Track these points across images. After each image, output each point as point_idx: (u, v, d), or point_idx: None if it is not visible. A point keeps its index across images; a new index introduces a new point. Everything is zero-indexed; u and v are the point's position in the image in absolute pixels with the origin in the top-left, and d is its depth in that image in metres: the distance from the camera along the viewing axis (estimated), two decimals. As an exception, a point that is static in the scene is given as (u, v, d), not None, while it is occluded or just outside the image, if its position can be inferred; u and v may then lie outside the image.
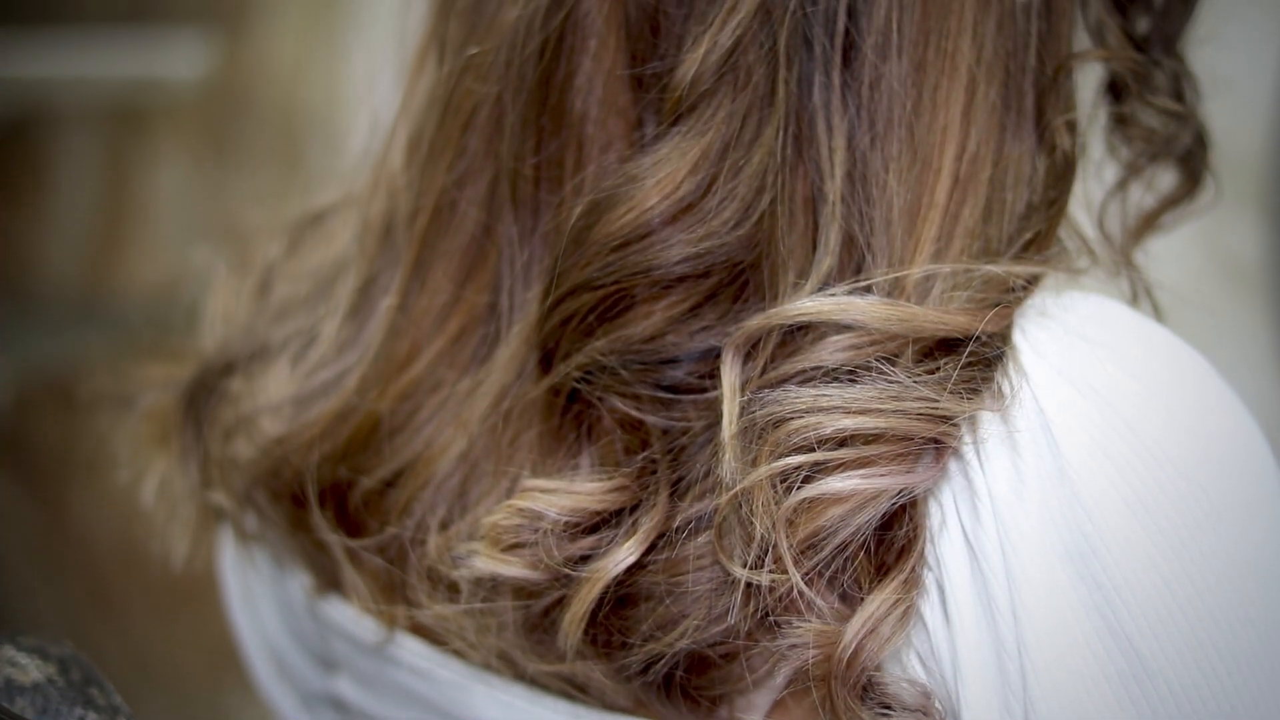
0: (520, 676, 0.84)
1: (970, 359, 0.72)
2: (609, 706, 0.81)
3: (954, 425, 0.72)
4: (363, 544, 0.87)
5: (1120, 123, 0.92)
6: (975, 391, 0.72)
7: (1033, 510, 0.70)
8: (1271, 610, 0.69)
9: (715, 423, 0.76)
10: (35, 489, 2.77)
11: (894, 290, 0.75)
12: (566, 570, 0.76)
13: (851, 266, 0.77)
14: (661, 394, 0.78)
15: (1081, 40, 0.87)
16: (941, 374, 0.72)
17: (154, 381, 1.04)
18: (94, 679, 0.77)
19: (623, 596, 0.76)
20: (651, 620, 0.76)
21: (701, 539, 0.75)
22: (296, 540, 0.92)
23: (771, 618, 0.74)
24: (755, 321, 0.75)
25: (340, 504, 0.88)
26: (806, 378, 0.74)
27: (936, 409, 0.71)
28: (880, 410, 0.71)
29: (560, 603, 0.78)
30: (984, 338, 0.73)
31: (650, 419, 0.78)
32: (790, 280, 0.77)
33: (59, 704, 0.75)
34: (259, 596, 1.05)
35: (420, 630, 0.88)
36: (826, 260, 0.76)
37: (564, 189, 0.82)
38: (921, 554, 0.73)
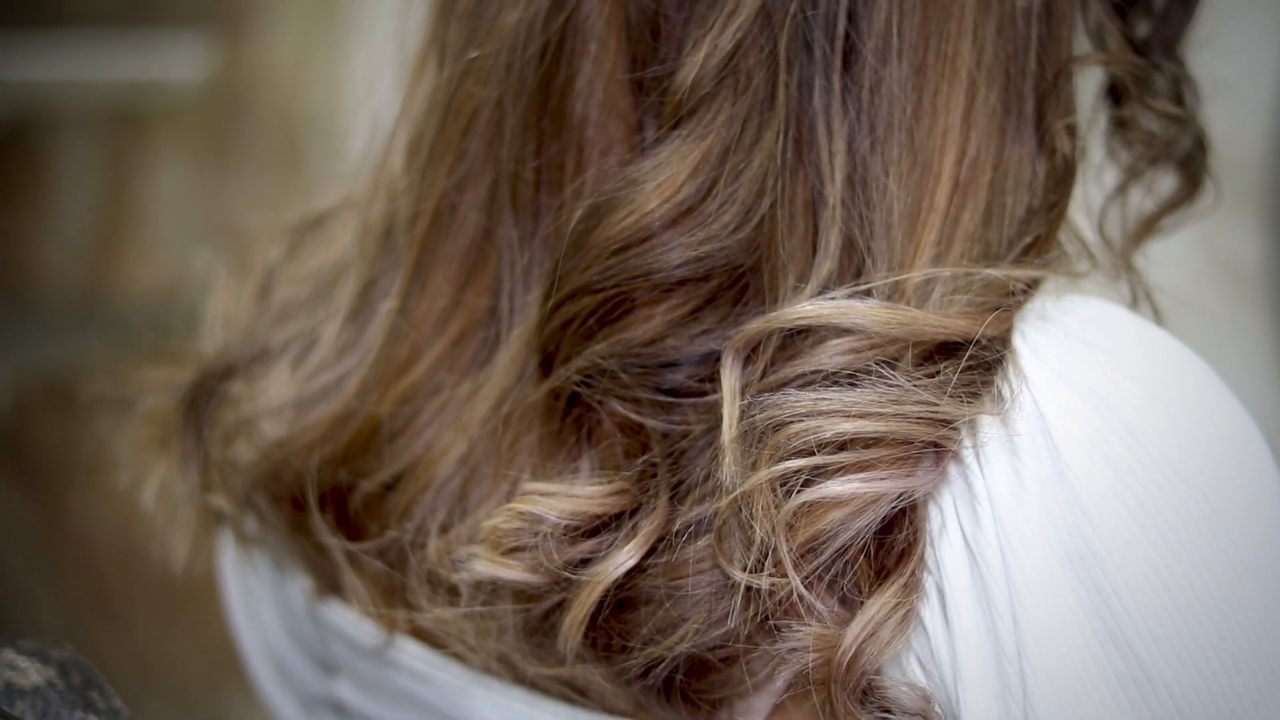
0: (520, 680, 0.84)
1: (970, 363, 0.72)
2: (609, 710, 0.82)
3: (954, 429, 0.72)
4: (363, 547, 0.87)
5: (1120, 126, 0.92)
6: (975, 395, 0.72)
7: (1032, 514, 0.70)
8: (1271, 613, 0.69)
9: (715, 426, 0.76)
10: (35, 492, 2.77)
11: (894, 294, 0.75)
12: (566, 574, 0.76)
13: (851, 270, 0.77)
14: (661, 397, 0.78)
15: (1082, 44, 0.87)
16: (941, 378, 0.72)
17: (154, 384, 1.04)
18: (94, 682, 0.77)
19: (623, 600, 0.76)
20: (651, 624, 0.76)
21: (701, 542, 0.75)
22: (296, 543, 0.92)
23: (771, 621, 0.74)
24: (755, 325, 0.75)
25: (340, 507, 0.88)
26: (806, 381, 0.74)
27: (936, 413, 0.71)
28: (880, 414, 0.71)
29: (560, 606, 0.78)
30: (984, 341, 0.73)
31: (650, 422, 0.78)
32: (790, 284, 0.77)
33: (59, 707, 0.75)
34: (259, 599, 1.05)
35: (420, 633, 0.88)
36: (826, 264, 0.76)
37: (564, 192, 0.82)
38: (921, 558, 0.73)
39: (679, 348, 0.78)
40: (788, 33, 0.76)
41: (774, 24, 0.76)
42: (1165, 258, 0.99)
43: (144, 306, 2.64)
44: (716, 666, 0.76)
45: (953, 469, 0.73)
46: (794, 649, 0.73)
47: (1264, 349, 1.94)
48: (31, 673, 0.76)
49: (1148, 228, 0.95)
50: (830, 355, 0.73)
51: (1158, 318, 0.92)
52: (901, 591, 0.72)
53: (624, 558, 0.75)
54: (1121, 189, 0.94)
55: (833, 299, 0.74)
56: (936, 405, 0.71)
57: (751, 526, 0.72)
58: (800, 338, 0.75)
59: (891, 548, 0.73)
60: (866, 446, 0.71)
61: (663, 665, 0.76)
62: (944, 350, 0.74)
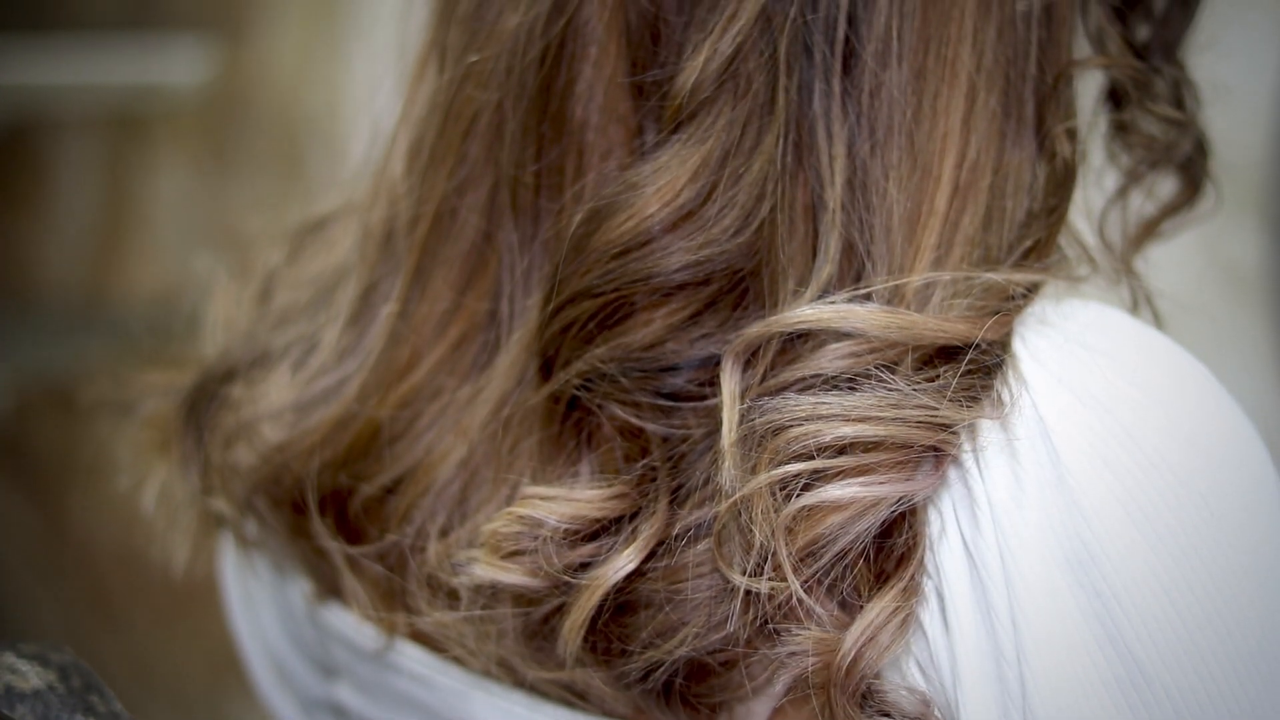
0: (520, 684, 0.84)
1: (970, 367, 0.72)
2: (609, 714, 0.82)
3: (953, 433, 0.72)
4: (363, 551, 0.87)
5: (1120, 130, 0.92)
6: (975, 399, 0.72)
7: (1032, 518, 0.70)
8: (1270, 616, 0.69)
9: (715, 430, 0.76)
10: (36, 495, 2.77)
11: (894, 298, 0.75)
12: (566, 577, 0.76)
13: (851, 274, 0.77)
14: (661, 401, 0.78)
15: (1082, 47, 0.87)
16: (941, 382, 0.72)
17: (154, 388, 1.04)
18: (94, 686, 0.77)
19: (622, 604, 0.76)
20: (651, 627, 0.76)
21: (701, 546, 0.75)
22: (297, 547, 0.92)
23: (771, 625, 0.74)
24: (755, 329, 0.75)
25: (340, 511, 0.88)
26: (806, 385, 0.74)
27: (936, 417, 0.71)
28: (880, 418, 0.71)
29: (560, 610, 0.78)
30: (984, 345, 0.73)
31: (650, 426, 0.78)
32: (790, 288, 0.77)
33: (59, 711, 0.75)
34: (259, 603, 1.05)
35: (420, 637, 0.88)
36: (826, 268, 0.76)
37: (564, 196, 0.82)
38: (921, 562, 0.73)
39: (679, 352, 0.78)
40: (787, 37, 0.76)
41: (774, 28, 0.76)
42: (1165, 261, 0.99)
43: (144, 310, 2.64)
44: (716, 670, 0.76)
45: (952, 473, 0.73)
46: (793, 653, 0.73)
47: (1264, 353, 1.94)
48: (32, 676, 0.76)
49: (1148, 231, 0.95)
50: (830, 359, 0.73)
51: (1158, 322, 0.92)
52: (901, 595, 0.72)
53: (624, 561, 0.75)
54: (1122, 193, 0.94)
55: (832, 303, 0.74)
56: (936, 409, 0.71)
57: (751, 530, 0.72)
58: (800, 342, 0.75)
59: (891, 552, 0.73)
60: (866, 450, 0.71)
61: (662, 669, 0.76)
62: (944, 354, 0.74)
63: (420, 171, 0.86)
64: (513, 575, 0.77)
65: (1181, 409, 0.72)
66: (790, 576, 0.71)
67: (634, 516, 0.77)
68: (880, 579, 0.73)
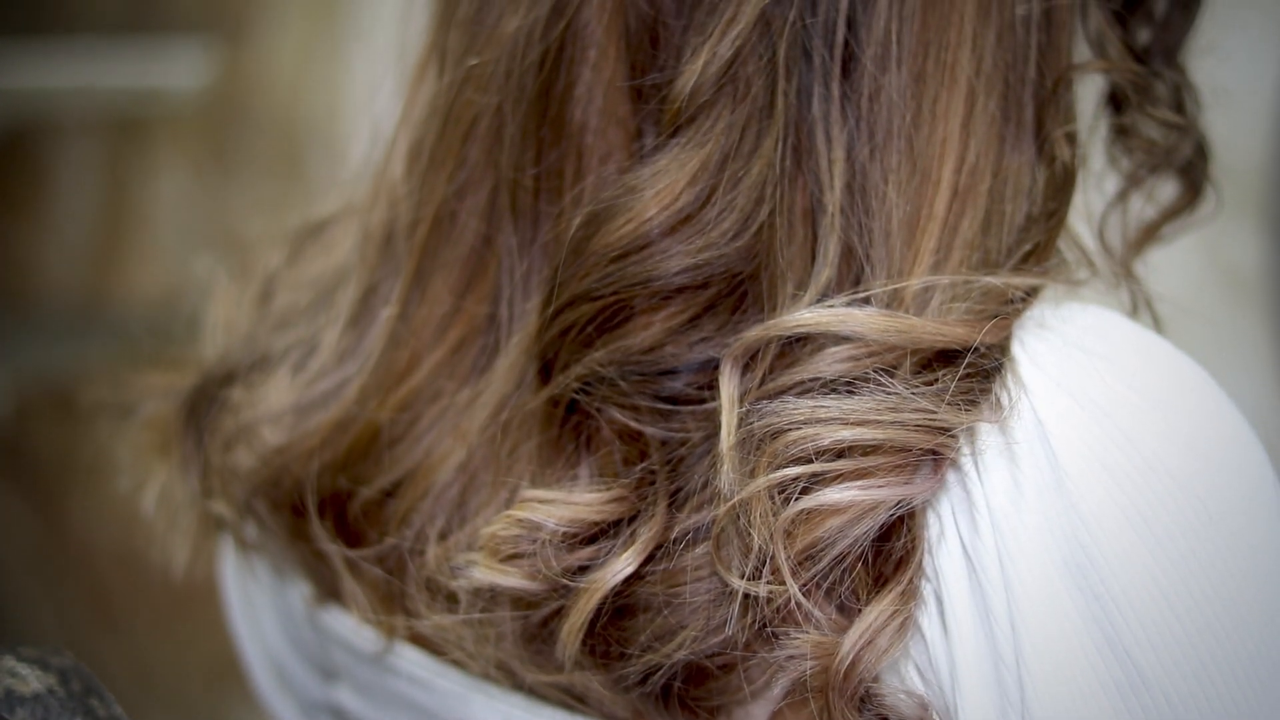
0: (519, 686, 0.84)
1: (969, 370, 0.72)
2: (607, 717, 0.81)
3: (952, 437, 0.72)
4: (362, 554, 0.87)
5: (1121, 134, 0.92)
6: (974, 403, 0.72)
7: (1031, 522, 0.70)
8: (1269, 620, 0.69)
9: (714, 434, 0.76)
10: (35, 498, 2.77)
11: (893, 302, 0.75)
12: (565, 581, 0.76)
13: (850, 278, 0.77)
14: (660, 405, 0.78)
15: (1082, 52, 0.87)
16: (940, 385, 0.72)
17: (154, 390, 1.04)
18: (94, 689, 0.77)
19: (621, 607, 0.76)
20: (649, 631, 0.76)
21: (700, 550, 0.75)
22: (296, 550, 0.92)
23: (769, 629, 0.74)
24: (754, 333, 0.75)
25: (340, 514, 0.88)
26: (805, 389, 0.74)
27: (935, 420, 0.71)
28: (878, 422, 0.71)
29: (559, 613, 0.78)
30: (982, 349, 0.73)
31: (649, 430, 0.78)
32: (789, 291, 0.77)
33: (59, 715, 0.75)
34: (259, 606, 1.05)
35: (419, 640, 0.88)
36: (825, 271, 0.76)
37: (563, 200, 0.82)
38: (919, 565, 0.73)
39: (678, 355, 0.78)
40: (787, 40, 0.76)
41: (773, 32, 0.76)
42: (1165, 265, 0.99)
43: (145, 312, 2.64)
44: (714, 674, 0.76)
45: (951, 476, 0.73)
46: (792, 656, 0.73)
47: (1264, 356, 1.94)
48: (32, 680, 0.76)
49: (1148, 235, 0.95)
50: (829, 363, 0.73)
51: (1157, 325, 0.92)
52: (899, 599, 0.72)
53: (622, 565, 0.75)
54: (1122, 196, 0.94)
55: (831, 306, 0.74)
56: (935, 413, 0.71)
57: (749, 534, 0.72)
58: (799, 345, 0.75)
59: (890, 555, 0.73)
60: (865, 454, 0.71)
61: (661, 672, 0.76)
62: (942, 358, 0.74)
63: (420, 174, 0.86)
64: (511, 578, 0.77)
65: (1181, 413, 0.72)
66: (789, 580, 0.71)
67: (633, 520, 0.77)
68: (879, 582, 0.73)
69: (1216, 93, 0.96)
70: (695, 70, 0.75)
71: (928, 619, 0.73)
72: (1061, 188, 0.80)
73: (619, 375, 0.78)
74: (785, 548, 0.71)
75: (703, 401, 0.78)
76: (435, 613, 0.84)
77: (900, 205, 0.77)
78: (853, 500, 0.71)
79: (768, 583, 0.72)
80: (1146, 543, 0.68)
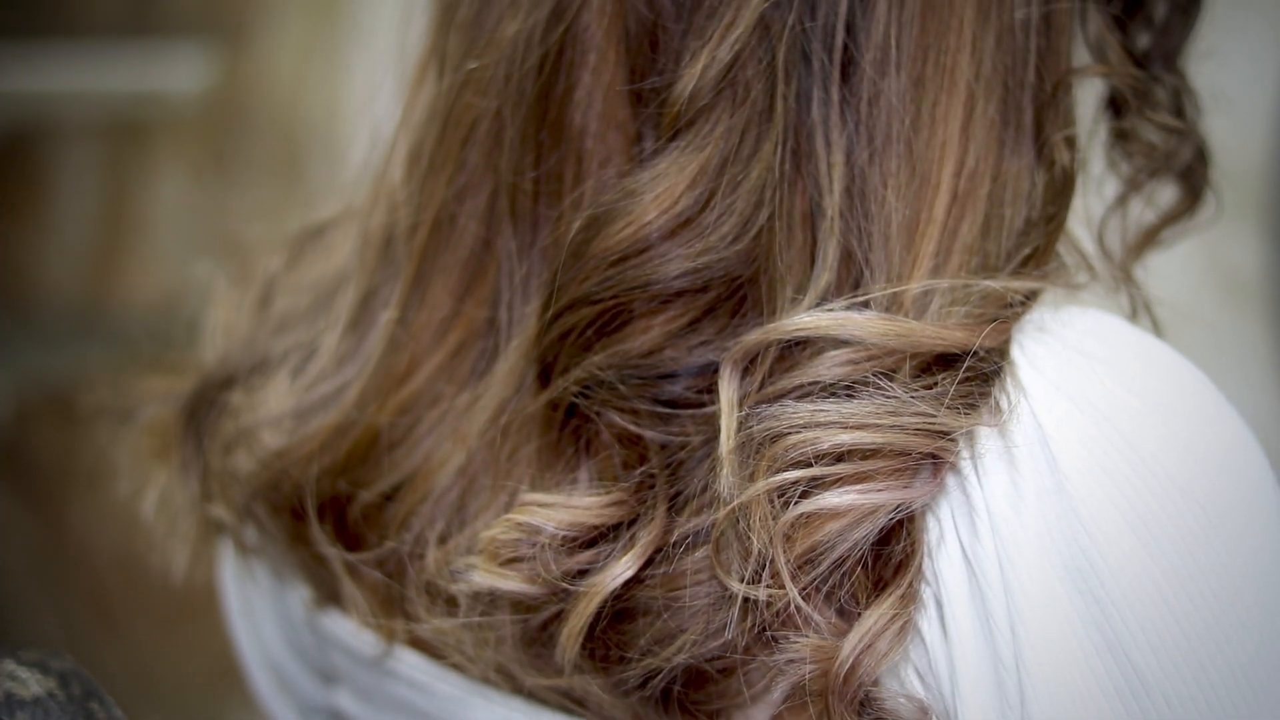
0: (519, 690, 0.84)
1: (968, 374, 0.72)
2: (607, 721, 0.82)
3: (952, 440, 0.72)
4: (361, 558, 0.87)
5: (1120, 138, 0.92)
6: (973, 407, 0.72)
7: (1031, 525, 0.70)
8: (1269, 623, 0.69)
9: (713, 437, 0.76)
10: (35, 502, 2.77)
11: (892, 305, 0.75)
12: (564, 584, 0.76)
13: (850, 282, 0.77)
14: (660, 409, 0.78)
15: (1081, 56, 0.87)
16: (939, 389, 0.72)
17: (154, 395, 1.04)
18: (94, 693, 0.77)
19: (620, 611, 0.76)
20: (649, 635, 0.76)
21: (699, 554, 0.75)
22: (296, 554, 0.92)
23: (769, 633, 0.74)
24: (753, 336, 0.75)
25: (339, 517, 0.88)
26: (804, 393, 0.74)
27: (934, 424, 0.71)
28: (878, 425, 0.71)
29: (558, 617, 0.78)
30: (982, 353, 0.73)
31: (648, 433, 0.78)
32: (788, 295, 0.77)
33: (59, 718, 0.75)
34: (259, 610, 1.05)
35: (419, 644, 0.88)
36: (824, 275, 0.76)
37: (563, 203, 0.82)
38: (919, 569, 0.73)
39: (677, 359, 0.78)
40: (786, 44, 0.76)
41: (772, 35, 0.76)
42: (1165, 269, 0.99)
43: (144, 316, 2.64)
44: (714, 677, 0.76)
45: (950, 480, 0.73)
46: (791, 660, 0.73)
47: (1263, 360, 1.94)
48: (32, 683, 0.76)
49: (1148, 239, 0.95)
50: (828, 367, 0.73)
51: (1157, 329, 0.92)
52: (899, 603, 0.72)
53: (622, 569, 0.75)
54: (1121, 200, 0.94)
55: (831, 310, 0.74)
56: (934, 417, 0.71)
57: (749, 538, 0.72)
58: (798, 349, 0.75)
59: (889, 559, 0.73)
60: (864, 458, 0.71)
61: (661, 676, 0.76)
62: (942, 362, 0.74)
63: (419, 178, 0.86)
64: (511, 582, 0.77)
65: (1180, 416, 0.72)
66: (788, 584, 0.71)
67: (632, 523, 0.77)
68: (878, 586, 0.73)
69: (1216, 97, 0.96)
70: (694, 74, 0.75)
71: (927, 623, 0.73)
72: (1061, 192, 0.80)
73: (618, 379, 0.78)
74: (785, 551, 0.71)
75: (702, 405, 0.78)
76: (435, 616, 0.84)
77: (899, 209, 0.77)
78: (852, 504, 0.71)
79: (767, 586, 0.72)
80: (1146, 546, 0.68)
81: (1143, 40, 0.92)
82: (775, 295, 0.77)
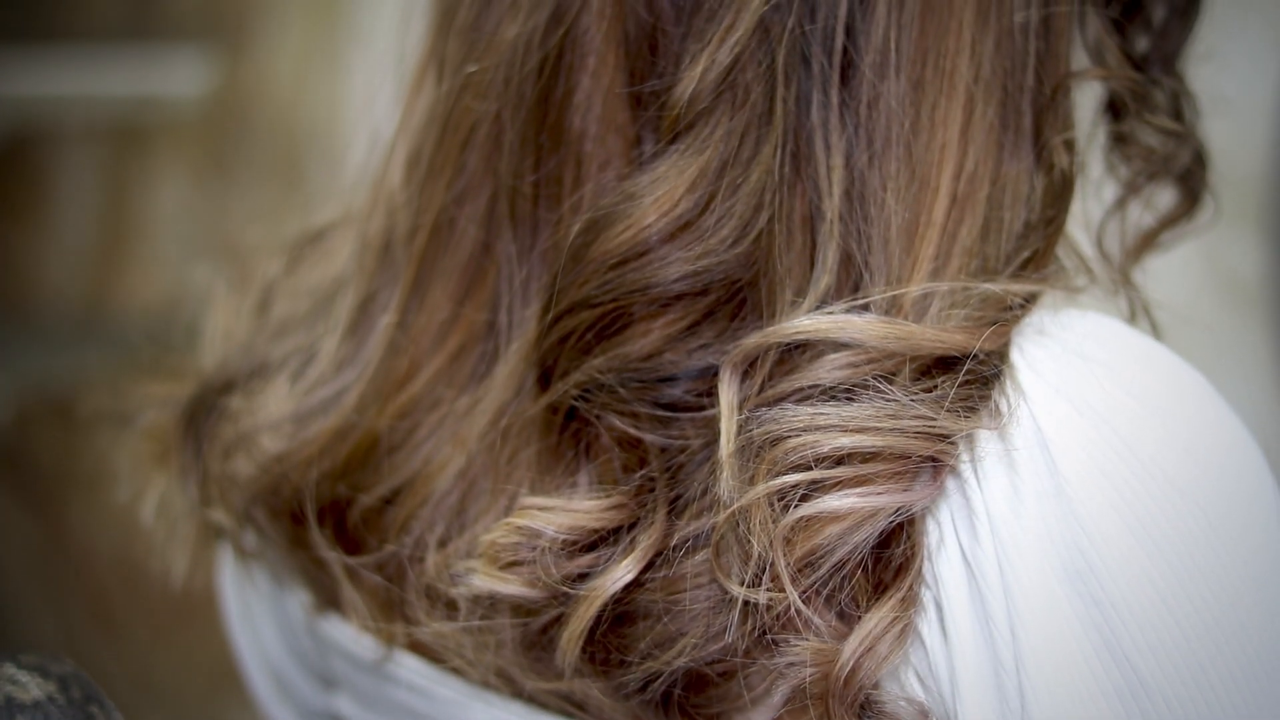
0: (519, 694, 0.84)
1: (968, 377, 0.72)
2: (607, 724, 0.82)
3: (951, 443, 0.72)
4: (361, 562, 0.87)
5: (1119, 141, 0.92)
6: (973, 410, 0.72)
7: (1030, 528, 0.70)
8: (1268, 626, 0.69)
9: (713, 441, 0.76)
10: (35, 506, 2.77)
11: (892, 308, 0.75)
12: (564, 588, 0.76)
13: (849, 285, 0.77)
14: (659, 412, 0.78)
15: (1080, 59, 0.87)
16: (939, 392, 0.72)
17: (154, 399, 1.04)
18: (94, 697, 0.77)
19: (620, 614, 0.76)
20: (649, 638, 0.76)
21: (699, 557, 0.75)
22: (295, 558, 0.92)
23: (769, 636, 0.74)
24: (753, 339, 0.75)
25: (339, 522, 0.88)
26: (804, 396, 0.74)
27: (934, 427, 0.71)
28: (878, 428, 0.71)
29: (558, 620, 0.78)
30: (981, 356, 0.73)
31: (648, 437, 0.78)
32: (788, 298, 0.77)
33: (59, 721, 0.75)
34: (258, 614, 1.05)
35: (419, 648, 0.88)
36: (824, 278, 0.76)
37: (562, 207, 0.82)
38: (919, 572, 0.73)
39: (677, 362, 0.78)
40: (785, 47, 0.76)
41: (772, 39, 0.76)
42: (1164, 272, 0.99)
43: (144, 321, 2.64)
44: (714, 681, 0.76)
45: (950, 483, 0.73)
46: (792, 663, 0.73)
47: (1263, 363, 1.94)
48: (32, 687, 0.76)
49: (1146, 242, 0.95)
50: (828, 370, 0.73)
51: (1156, 332, 0.92)
52: (899, 606, 0.72)
53: (622, 572, 0.75)
54: (1120, 204, 0.94)
55: (830, 313, 0.74)
56: (934, 420, 0.71)
57: (749, 541, 0.72)
58: (798, 352, 0.75)
59: (889, 562, 0.73)
60: (864, 461, 0.71)
61: (661, 679, 0.76)
62: (941, 365, 0.74)
63: (419, 182, 0.86)
64: (511, 586, 0.77)
65: (1180, 419, 0.72)
66: (788, 587, 0.71)
67: (632, 527, 0.77)
68: (878, 589, 0.73)
69: (1215, 100, 0.96)
70: (694, 77, 0.75)
71: (928, 626, 0.73)
72: (1060, 195, 0.80)
73: (618, 382, 0.78)
74: (785, 555, 0.71)
75: (702, 408, 0.78)
76: (435, 620, 0.84)
77: (899, 212, 0.77)
78: (852, 507, 0.71)
79: (767, 590, 0.72)
80: (1146, 549, 0.68)
81: (1141, 43, 0.92)
82: (775, 298, 0.77)
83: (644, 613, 0.76)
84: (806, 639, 0.73)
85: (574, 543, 0.77)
